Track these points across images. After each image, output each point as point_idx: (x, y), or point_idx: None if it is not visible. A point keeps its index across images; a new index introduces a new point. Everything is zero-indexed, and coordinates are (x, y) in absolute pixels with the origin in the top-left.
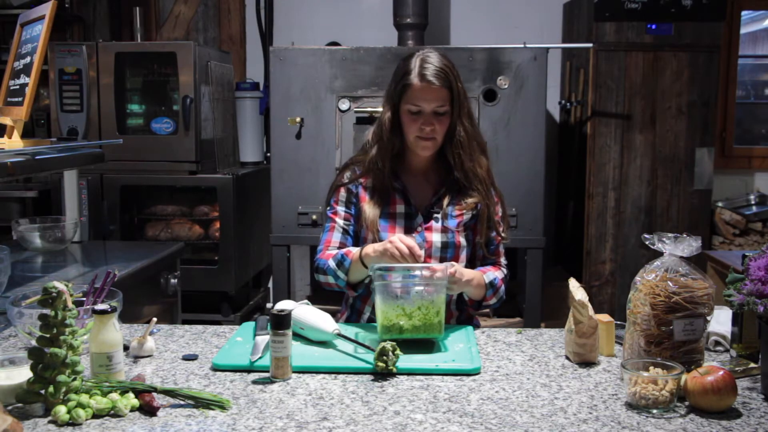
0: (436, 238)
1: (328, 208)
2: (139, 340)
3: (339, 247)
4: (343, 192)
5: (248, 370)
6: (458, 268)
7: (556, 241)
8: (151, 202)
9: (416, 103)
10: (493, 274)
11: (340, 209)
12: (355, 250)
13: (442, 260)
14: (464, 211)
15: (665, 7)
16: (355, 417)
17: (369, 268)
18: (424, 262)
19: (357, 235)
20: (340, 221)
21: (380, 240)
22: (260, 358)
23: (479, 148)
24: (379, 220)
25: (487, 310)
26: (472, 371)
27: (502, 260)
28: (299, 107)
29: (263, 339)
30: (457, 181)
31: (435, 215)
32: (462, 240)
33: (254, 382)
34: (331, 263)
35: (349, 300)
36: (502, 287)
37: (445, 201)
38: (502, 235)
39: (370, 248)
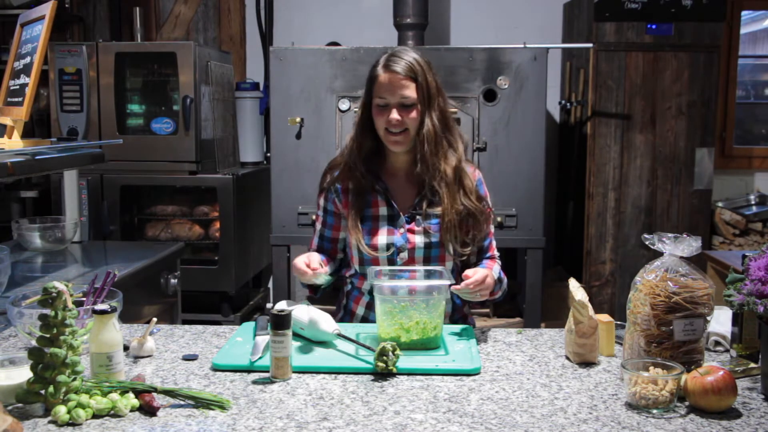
0: (418, 239)
1: (317, 209)
2: (139, 340)
3: (318, 251)
4: (323, 199)
5: (248, 370)
6: (476, 275)
7: (556, 241)
8: (151, 202)
9: (382, 95)
10: (497, 267)
11: (320, 214)
12: None
13: (426, 260)
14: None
15: (665, 7)
16: (355, 417)
17: (367, 278)
18: (409, 263)
19: (335, 239)
20: (319, 226)
21: (365, 244)
22: (260, 358)
23: (450, 146)
24: (362, 224)
25: (487, 310)
26: (472, 371)
27: (496, 252)
28: (299, 107)
29: (263, 339)
30: (431, 185)
31: (417, 217)
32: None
33: (254, 382)
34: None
35: (343, 300)
36: (505, 279)
37: (425, 202)
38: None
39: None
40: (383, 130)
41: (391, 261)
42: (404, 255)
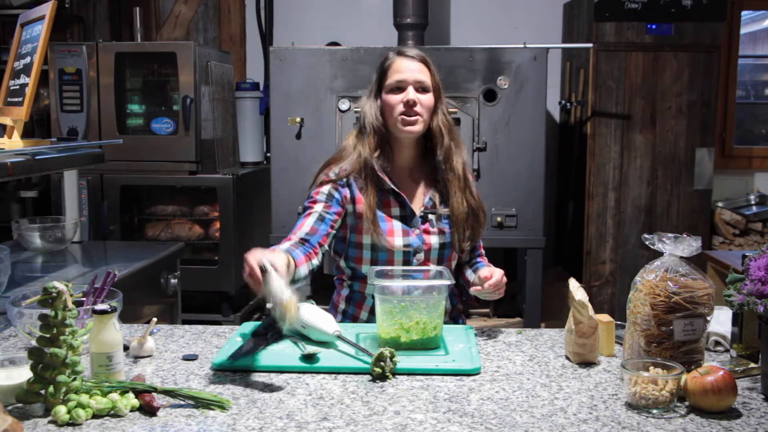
0: (434, 240)
1: (308, 198)
2: (139, 340)
3: (310, 233)
4: (325, 188)
5: (248, 370)
6: (495, 276)
7: (556, 241)
8: (151, 202)
9: (398, 77)
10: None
11: (320, 199)
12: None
13: (440, 261)
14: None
15: (665, 7)
16: (355, 417)
17: (368, 278)
18: (424, 264)
19: (333, 226)
20: (319, 207)
21: (382, 243)
22: (241, 357)
23: (456, 143)
24: (379, 223)
25: (487, 310)
26: (472, 371)
27: (483, 250)
28: (299, 107)
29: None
30: (443, 178)
31: (430, 217)
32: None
33: (254, 382)
34: None
35: (340, 305)
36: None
37: (437, 201)
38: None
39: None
40: (397, 115)
41: (407, 263)
42: (420, 256)
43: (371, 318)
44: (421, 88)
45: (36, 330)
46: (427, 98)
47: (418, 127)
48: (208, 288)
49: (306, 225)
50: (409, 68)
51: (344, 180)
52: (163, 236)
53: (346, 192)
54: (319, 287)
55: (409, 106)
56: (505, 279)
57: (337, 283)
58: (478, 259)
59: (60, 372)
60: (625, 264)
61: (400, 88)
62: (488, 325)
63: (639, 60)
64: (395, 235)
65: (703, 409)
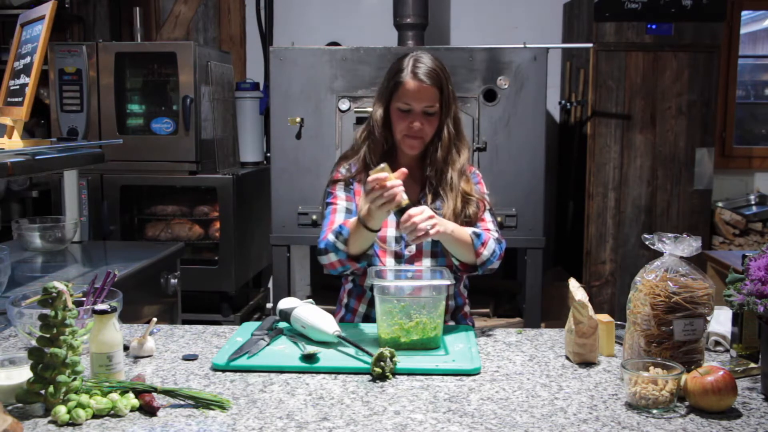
0: None
1: (327, 197)
2: (139, 340)
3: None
4: (341, 184)
5: (248, 370)
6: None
7: (556, 241)
8: (151, 202)
9: (407, 101)
10: (476, 229)
11: (341, 193)
12: (352, 218)
13: (433, 254)
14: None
15: (665, 7)
16: (355, 417)
17: (367, 278)
18: (416, 256)
19: None
20: (342, 202)
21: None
22: (238, 357)
23: (457, 151)
24: None
25: (487, 309)
26: (472, 371)
27: (489, 225)
28: (299, 107)
29: (257, 339)
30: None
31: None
32: None
33: (254, 382)
34: (331, 237)
35: (344, 300)
36: (491, 241)
37: (430, 198)
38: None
39: (362, 205)
40: (401, 135)
41: (398, 254)
42: (412, 248)
43: (369, 310)
44: (428, 113)
45: (36, 330)
46: (432, 121)
47: (419, 147)
48: (208, 288)
49: (337, 219)
50: (419, 93)
51: (353, 177)
52: (163, 236)
53: (353, 185)
54: (319, 287)
55: (414, 131)
56: (425, 214)
57: (343, 280)
58: None
59: (60, 372)
60: (625, 264)
61: (408, 111)
62: (488, 325)
63: (639, 60)
64: (387, 225)
65: (703, 409)
